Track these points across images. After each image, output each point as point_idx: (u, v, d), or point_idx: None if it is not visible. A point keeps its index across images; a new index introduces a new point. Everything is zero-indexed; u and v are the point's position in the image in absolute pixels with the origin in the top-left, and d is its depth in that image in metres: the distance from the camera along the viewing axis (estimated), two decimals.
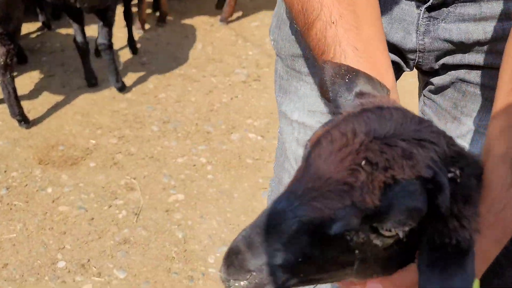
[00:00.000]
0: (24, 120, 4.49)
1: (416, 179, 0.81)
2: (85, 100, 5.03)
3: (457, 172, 0.85)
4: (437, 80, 1.50)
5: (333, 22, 1.09)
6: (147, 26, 6.76)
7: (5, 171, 3.90)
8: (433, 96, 1.57)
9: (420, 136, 0.85)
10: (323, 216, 0.80)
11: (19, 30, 4.47)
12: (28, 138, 4.37)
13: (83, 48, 5.13)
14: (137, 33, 6.58)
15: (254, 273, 0.83)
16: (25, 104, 4.64)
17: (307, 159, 0.88)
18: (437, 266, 0.83)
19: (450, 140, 0.90)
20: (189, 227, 3.36)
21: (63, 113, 4.80)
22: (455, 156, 0.87)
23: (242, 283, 0.83)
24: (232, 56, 6.10)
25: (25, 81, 5.31)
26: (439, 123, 1.56)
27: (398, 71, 1.52)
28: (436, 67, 1.46)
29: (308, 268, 0.86)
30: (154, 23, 6.92)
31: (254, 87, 5.36)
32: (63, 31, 6.61)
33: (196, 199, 3.66)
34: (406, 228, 0.82)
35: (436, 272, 0.82)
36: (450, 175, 0.85)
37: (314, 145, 0.88)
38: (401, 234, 0.82)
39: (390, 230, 0.82)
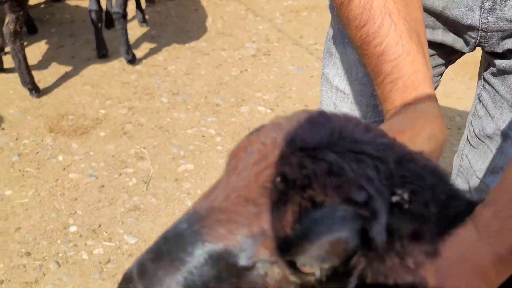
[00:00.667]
0: (35, 89, 4.51)
1: (343, 203, 0.64)
2: (95, 71, 5.04)
3: (405, 196, 0.66)
4: (500, 62, 1.36)
5: (386, 13, 1.00)
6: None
7: (16, 139, 3.94)
8: (493, 80, 1.44)
9: (360, 148, 0.68)
10: (228, 244, 0.65)
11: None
12: (38, 107, 4.39)
13: (97, 17, 5.12)
14: (147, 6, 6.55)
15: None
16: (35, 74, 4.64)
17: (224, 172, 0.73)
18: None
19: (407, 156, 0.72)
20: (199, 196, 3.39)
21: (72, 83, 4.82)
22: (408, 176, 0.68)
23: None
24: (242, 30, 6.06)
25: (35, 52, 5.31)
26: (495, 112, 1.45)
27: (451, 53, 1.45)
28: (499, 51, 1.34)
29: None
30: None
31: (264, 61, 5.34)
32: (73, 2, 6.58)
33: (205, 169, 3.69)
34: (326, 266, 0.65)
35: None
36: (394, 198, 0.66)
37: (233, 156, 0.74)
38: (317, 273, 0.65)
39: (306, 266, 0.65)
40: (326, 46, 1.71)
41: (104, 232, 3.08)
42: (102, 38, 5.26)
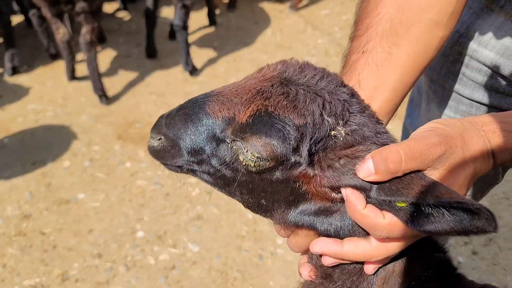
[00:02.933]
0: (105, 96, 4.78)
1: (286, 120, 0.89)
2: (160, 81, 5.27)
3: (342, 132, 0.91)
4: None
5: (363, 51, 1.15)
6: (218, 12, 6.92)
7: (88, 145, 4.19)
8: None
9: (321, 92, 0.93)
10: (216, 116, 0.96)
11: (101, 9, 4.78)
12: (108, 115, 4.65)
13: (151, 18, 5.46)
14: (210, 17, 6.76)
15: (163, 139, 1.03)
16: (105, 82, 4.92)
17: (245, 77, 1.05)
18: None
19: (360, 108, 0.95)
20: None
21: (139, 92, 5.06)
22: (352, 121, 0.93)
23: (155, 143, 1.05)
24: (301, 43, 6.16)
25: (105, 61, 5.61)
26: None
27: None
28: None
29: (202, 162, 1.00)
30: (225, 8, 7.08)
31: None
32: (139, 13, 6.88)
33: None
34: (260, 159, 0.90)
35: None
36: (333, 132, 0.91)
37: (257, 71, 1.03)
38: (252, 163, 0.91)
39: (248, 152, 0.90)
40: (412, 95, 1.76)
41: (169, 239, 3.24)
42: (153, 39, 5.68)
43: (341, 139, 0.90)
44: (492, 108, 1.39)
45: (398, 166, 0.82)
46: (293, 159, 0.91)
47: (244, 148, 0.90)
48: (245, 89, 0.96)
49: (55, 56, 5.61)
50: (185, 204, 3.55)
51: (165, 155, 1.03)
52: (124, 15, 6.87)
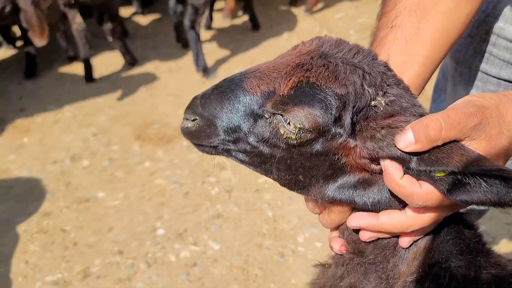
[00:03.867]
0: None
1: (327, 90, 0.89)
2: (176, 83, 5.29)
3: (382, 102, 0.91)
4: None
5: (391, 26, 1.15)
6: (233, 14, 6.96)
7: (107, 145, 4.21)
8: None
9: (358, 65, 0.93)
10: (255, 92, 0.95)
11: (118, 12, 4.98)
12: (126, 116, 4.67)
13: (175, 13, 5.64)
14: (224, 21, 6.80)
15: (198, 119, 1.01)
16: (123, 81, 4.96)
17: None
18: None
19: (396, 81, 0.96)
20: (279, 207, 3.48)
21: (156, 94, 5.08)
22: (391, 93, 0.93)
23: (189, 124, 1.03)
24: None
25: (122, 64, 5.65)
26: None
27: None
28: None
29: (239, 140, 0.99)
30: (241, 10, 7.11)
31: None
32: (155, 16, 6.94)
33: None
34: (303, 129, 0.89)
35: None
36: (373, 102, 0.91)
37: (293, 48, 1.03)
38: (293, 135, 0.90)
39: (290, 124, 0.89)
40: (437, 80, 1.76)
41: (190, 237, 3.23)
42: (180, 32, 5.84)
43: (382, 109, 0.91)
44: None
45: (438, 134, 0.82)
46: (334, 130, 0.91)
47: (286, 120, 0.90)
48: (284, 64, 0.95)
49: (73, 59, 5.67)
50: (205, 202, 3.54)
51: (200, 135, 1.02)
52: (140, 19, 6.93)
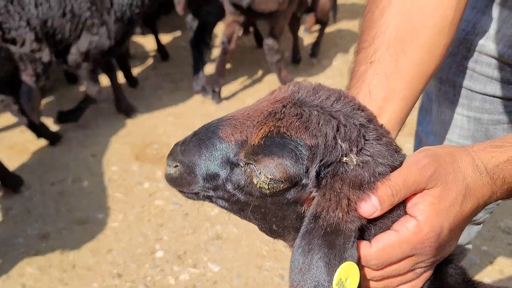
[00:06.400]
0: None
1: (298, 140, 0.87)
2: (176, 103, 5.30)
3: (354, 161, 0.87)
4: None
5: (371, 62, 1.15)
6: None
7: (106, 165, 4.20)
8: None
9: (335, 114, 0.91)
10: (229, 140, 0.95)
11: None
12: (125, 136, 4.67)
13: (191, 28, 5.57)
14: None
15: (179, 166, 1.02)
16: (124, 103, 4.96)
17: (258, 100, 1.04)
18: (306, 238, 0.85)
19: (377, 135, 0.92)
20: None
21: (156, 114, 5.09)
22: (367, 149, 0.89)
23: (171, 170, 1.03)
24: (317, 64, 6.18)
25: (123, 84, 5.67)
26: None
27: None
28: None
29: (218, 188, 0.99)
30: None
31: None
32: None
33: None
34: (274, 180, 0.87)
35: (303, 244, 0.85)
36: (344, 159, 0.87)
37: (269, 93, 1.02)
38: (266, 185, 0.89)
39: (261, 174, 0.88)
40: (422, 102, 1.76)
41: (189, 259, 3.19)
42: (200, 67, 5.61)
43: (352, 167, 0.87)
44: (506, 99, 1.44)
45: (395, 199, 0.87)
46: (305, 181, 0.89)
47: (257, 170, 0.89)
48: (257, 112, 0.95)
49: (73, 80, 5.69)
50: (204, 223, 3.51)
51: (182, 182, 1.03)
52: (140, 39, 6.97)
